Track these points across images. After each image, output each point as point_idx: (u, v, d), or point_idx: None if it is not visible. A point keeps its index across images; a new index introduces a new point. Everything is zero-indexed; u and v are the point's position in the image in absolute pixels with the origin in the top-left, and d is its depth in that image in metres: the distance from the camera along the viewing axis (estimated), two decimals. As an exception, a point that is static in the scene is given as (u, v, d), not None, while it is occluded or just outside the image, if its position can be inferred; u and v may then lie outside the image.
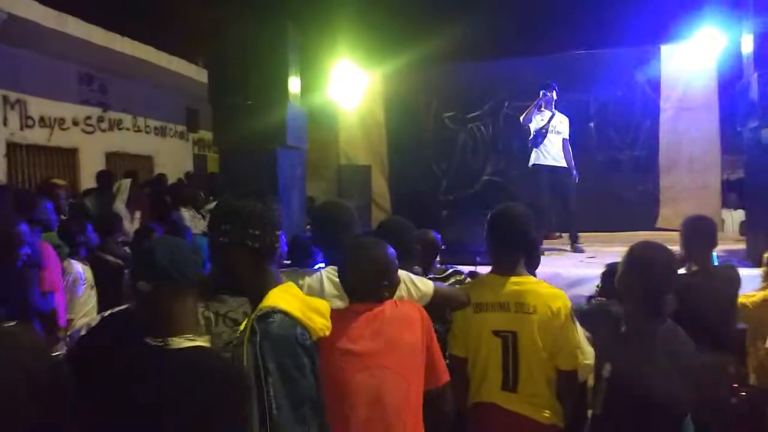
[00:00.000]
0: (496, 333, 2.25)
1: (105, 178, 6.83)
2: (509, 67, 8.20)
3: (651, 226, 7.77)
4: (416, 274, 2.39)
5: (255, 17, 5.49)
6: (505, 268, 2.34)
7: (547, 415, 2.24)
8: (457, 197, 8.65)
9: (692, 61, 7.77)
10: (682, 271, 3.04)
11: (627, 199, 8.08)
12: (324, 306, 1.67)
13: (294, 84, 5.88)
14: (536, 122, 6.34)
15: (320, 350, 1.63)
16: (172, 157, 10.68)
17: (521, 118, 6.41)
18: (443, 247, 4.41)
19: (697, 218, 3.17)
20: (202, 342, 1.60)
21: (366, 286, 1.98)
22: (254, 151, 5.48)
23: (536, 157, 6.32)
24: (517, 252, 2.35)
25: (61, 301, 3.46)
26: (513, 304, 2.24)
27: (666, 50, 7.99)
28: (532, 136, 6.35)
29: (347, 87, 8.75)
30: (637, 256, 2.15)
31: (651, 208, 8.00)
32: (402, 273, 2.13)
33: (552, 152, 6.27)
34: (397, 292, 2.09)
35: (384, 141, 9.15)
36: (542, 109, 6.35)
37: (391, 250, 2.05)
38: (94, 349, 1.77)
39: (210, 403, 1.45)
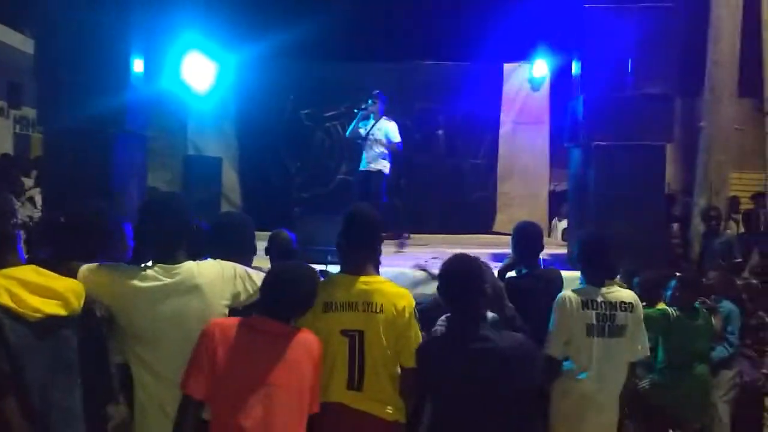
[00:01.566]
0: (344, 332, 2.26)
1: None
2: (369, 69, 8.33)
3: (489, 229, 8.37)
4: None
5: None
6: (354, 267, 2.35)
7: (390, 411, 2.29)
8: (311, 195, 8.61)
9: (529, 79, 8.51)
10: (512, 273, 3.30)
11: (469, 204, 8.62)
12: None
13: (137, 64, 5.42)
14: (362, 131, 6.69)
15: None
16: (-12, 135, 9.39)
17: (348, 134, 6.74)
18: (298, 245, 4.36)
19: (526, 224, 3.44)
20: None
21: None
22: (87, 134, 4.96)
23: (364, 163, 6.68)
24: (366, 251, 2.38)
25: None
26: (361, 304, 2.26)
27: (508, 68, 8.66)
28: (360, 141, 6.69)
29: (199, 74, 8.29)
30: (448, 268, 2.34)
31: (490, 213, 8.61)
32: (239, 267, 2.11)
33: (368, 158, 6.66)
34: (233, 288, 2.06)
35: (236, 133, 8.83)
36: (370, 118, 6.68)
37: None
38: None
39: None
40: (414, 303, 2.34)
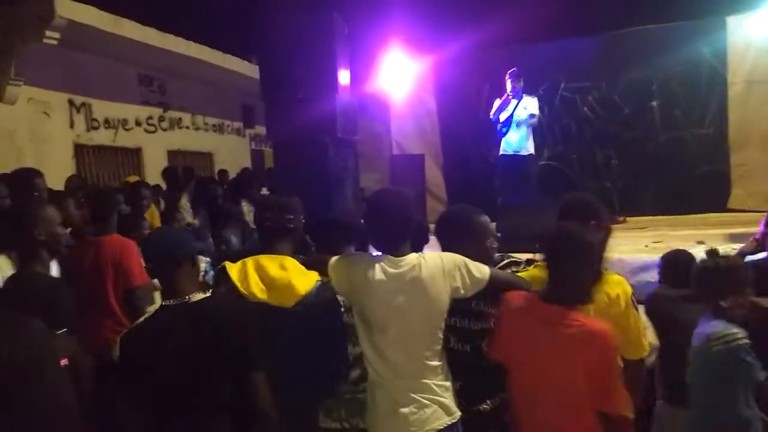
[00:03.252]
0: None
1: (172, 176, 7.12)
2: (564, 48, 7.93)
3: (722, 208, 7.37)
4: None
5: (299, 9, 5.51)
6: None
7: None
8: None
9: (761, 31, 7.29)
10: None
11: (695, 180, 7.70)
12: None
13: (342, 75, 5.86)
14: (504, 112, 6.41)
15: None
16: (231, 153, 10.94)
17: (492, 117, 6.38)
18: (499, 234, 4.33)
19: None
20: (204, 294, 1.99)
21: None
22: (305, 144, 5.51)
23: (503, 148, 6.47)
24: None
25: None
26: None
27: (732, 21, 7.53)
28: (500, 125, 6.33)
29: (397, 76, 8.69)
30: None
31: (721, 188, 7.58)
32: (458, 259, 2.13)
33: (512, 141, 6.41)
34: (452, 281, 2.09)
35: (437, 129, 9.06)
36: (509, 99, 6.39)
37: None
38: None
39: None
40: (630, 290, 2.18)
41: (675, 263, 3.07)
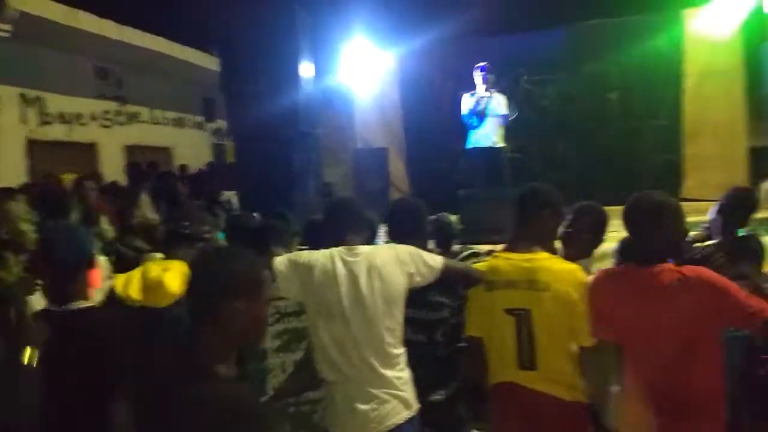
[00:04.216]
0: (509, 311, 2.21)
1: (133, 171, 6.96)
2: (525, 42, 8.02)
3: (676, 197, 7.57)
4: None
5: (261, 1, 5.44)
6: (516, 245, 2.29)
7: (568, 391, 2.19)
8: (460, 178, 8.56)
9: (715, 24, 7.51)
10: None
11: (650, 169, 7.90)
12: None
13: (305, 68, 5.82)
14: (472, 104, 6.41)
15: None
16: (191, 147, 10.75)
17: (464, 112, 6.43)
18: (461, 226, 4.38)
19: (737, 189, 3.06)
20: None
21: None
22: (267, 137, 5.46)
23: (474, 141, 6.42)
24: (529, 228, 2.30)
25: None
26: (525, 282, 2.20)
27: (689, 14, 7.73)
28: (469, 117, 6.35)
29: (361, 69, 8.66)
30: None
31: (676, 178, 7.81)
32: (412, 249, 2.18)
33: (490, 134, 6.38)
34: (408, 268, 2.13)
35: (400, 122, 9.06)
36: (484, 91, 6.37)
37: None
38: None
39: None
40: (585, 278, 2.21)
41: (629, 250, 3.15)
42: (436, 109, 8.84)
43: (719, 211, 2.99)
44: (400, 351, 2.12)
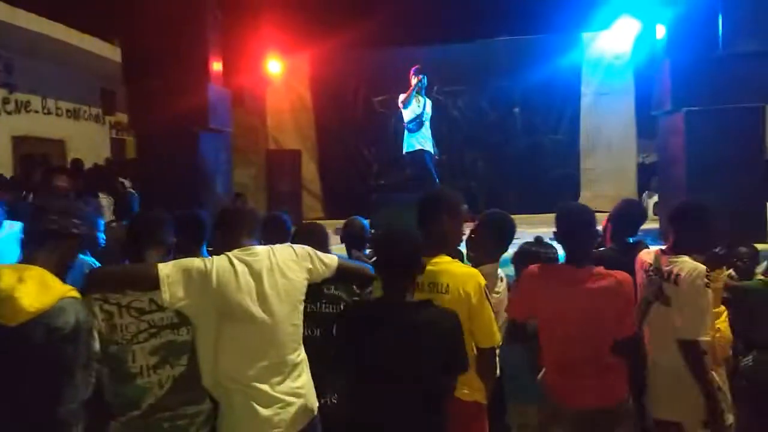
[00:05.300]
0: None
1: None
2: (438, 53, 8.22)
3: (573, 208, 8.06)
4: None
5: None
6: (427, 248, 2.31)
7: (466, 391, 2.25)
8: (387, 181, 8.65)
9: (610, 48, 8.08)
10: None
11: (550, 181, 8.34)
12: None
13: (215, 65, 5.65)
14: (412, 109, 6.41)
15: None
16: (87, 141, 10.09)
17: (401, 102, 6.46)
18: (373, 231, 4.40)
19: (628, 201, 3.30)
20: None
21: None
22: (174, 134, 5.23)
23: (417, 143, 6.38)
24: (434, 233, 2.34)
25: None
26: (427, 284, 2.24)
27: (587, 37, 8.27)
28: (409, 122, 6.42)
29: (274, 69, 8.53)
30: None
31: (573, 190, 8.29)
32: (307, 247, 2.21)
33: (429, 138, 6.41)
34: (308, 265, 2.16)
35: (313, 125, 9.01)
36: (419, 95, 6.42)
37: None
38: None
39: None
40: (483, 282, 2.27)
41: (525, 257, 3.36)
42: (348, 113, 8.88)
43: (610, 220, 3.20)
44: (302, 350, 2.12)
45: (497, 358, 2.34)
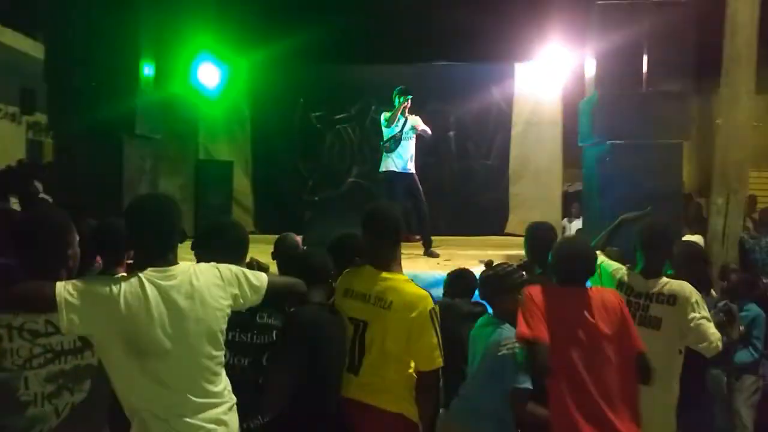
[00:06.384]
0: (351, 319, 2.36)
1: None
2: (378, 72, 8.28)
3: (501, 231, 8.28)
4: None
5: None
6: (380, 262, 2.39)
7: (390, 402, 2.28)
8: (322, 198, 8.56)
9: (541, 79, 8.41)
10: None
11: (480, 205, 8.53)
12: None
13: (147, 68, 5.43)
14: (391, 129, 6.40)
15: None
16: (0, 141, 9.46)
17: (386, 121, 6.41)
18: (305, 248, 4.32)
19: (539, 225, 3.41)
20: None
21: None
22: (97, 138, 4.97)
23: (389, 164, 6.38)
24: (391, 248, 2.42)
25: None
26: (373, 297, 2.32)
27: (520, 68, 8.57)
28: (386, 141, 6.40)
29: (210, 77, 8.30)
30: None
31: (501, 214, 8.52)
32: (235, 267, 2.03)
33: (405, 157, 6.39)
34: (230, 288, 1.97)
35: (248, 137, 8.82)
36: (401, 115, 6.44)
37: None
38: None
39: None
40: (432, 305, 2.29)
41: (458, 278, 3.40)
42: (284, 127, 8.75)
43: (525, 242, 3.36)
44: (223, 377, 1.95)
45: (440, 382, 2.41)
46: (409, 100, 6.36)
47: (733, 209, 5.39)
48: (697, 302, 2.65)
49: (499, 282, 2.72)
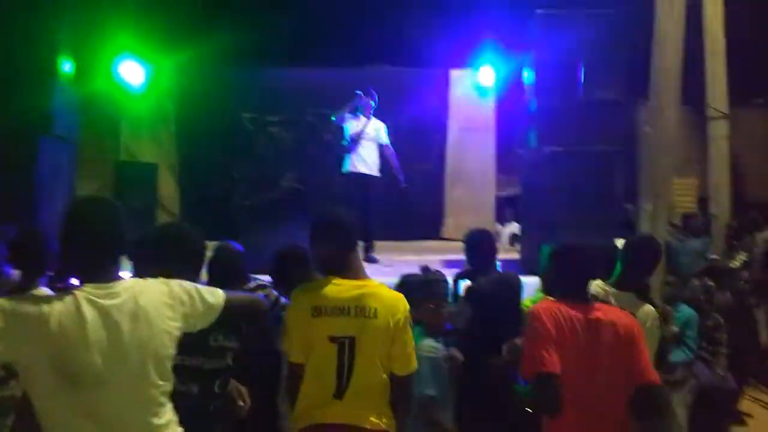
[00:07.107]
0: (333, 338, 2.13)
1: None
2: (314, 75, 8.13)
3: (438, 235, 8.31)
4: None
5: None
6: (346, 271, 2.24)
7: (375, 420, 2.17)
8: (254, 203, 8.27)
9: (475, 86, 8.54)
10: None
11: (417, 210, 8.54)
12: None
13: (65, 65, 5.05)
14: (351, 127, 6.34)
15: None
16: None
17: (333, 117, 6.36)
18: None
19: (479, 231, 3.43)
20: None
21: None
22: (9, 138, 4.58)
23: (350, 164, 6.32)
24: (353, 255, 2.32)
25: None
26: (353, 308, 2.15)
27: (455, 74, 8.65)
28: (346, 141, 6.33)
29: (134, 75, 7.84)
30: None
31: (438, 219, 8.56)
32: (186, 284, 1.82)
33: (367, 160, 6.31)
34: (181, 307, 1.75)
35: (173, 139, 8.42)
36: (358, 114, 6.37)
37: None
38: None
39: None
40: (408, 307, 2.26)
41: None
42: (214, 129, 8.41)
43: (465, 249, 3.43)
44: (168, 409, 1.74)
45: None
46: (371, 103, 6.30)
47: (660, 214, 5.62)
48: None
49: (421, 287, 2.83)
